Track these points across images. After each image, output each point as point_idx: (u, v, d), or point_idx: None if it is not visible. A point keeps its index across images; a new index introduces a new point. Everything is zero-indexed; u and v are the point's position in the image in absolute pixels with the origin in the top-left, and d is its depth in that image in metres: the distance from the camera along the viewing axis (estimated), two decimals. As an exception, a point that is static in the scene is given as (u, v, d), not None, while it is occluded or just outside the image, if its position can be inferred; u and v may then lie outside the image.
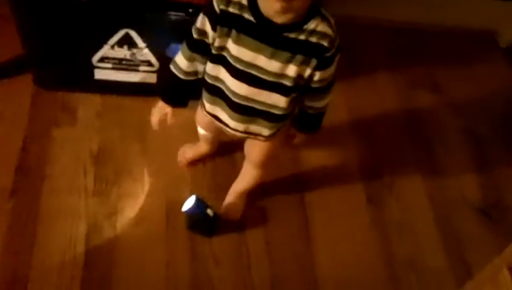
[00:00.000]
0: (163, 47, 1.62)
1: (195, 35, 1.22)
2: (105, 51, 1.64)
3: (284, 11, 1.09)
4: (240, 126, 1.32)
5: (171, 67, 1.30)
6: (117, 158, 1.66)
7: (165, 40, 1.60)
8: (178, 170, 1.67)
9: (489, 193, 1.81)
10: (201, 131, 1.58)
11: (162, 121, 1.38)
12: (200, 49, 1.24)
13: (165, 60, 1.54)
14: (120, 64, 1.68)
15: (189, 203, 1.50)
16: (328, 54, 1.17)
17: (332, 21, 1.17)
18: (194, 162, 1.68)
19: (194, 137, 1.64)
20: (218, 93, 1.29)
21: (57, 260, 1.45)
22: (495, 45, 2.24)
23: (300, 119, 1.37)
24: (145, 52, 1.65)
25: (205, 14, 1.18)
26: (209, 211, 1.51)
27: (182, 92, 1.34)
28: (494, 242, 1.68)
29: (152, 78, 1.74)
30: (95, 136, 1.69)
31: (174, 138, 1.70)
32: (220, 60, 1.23)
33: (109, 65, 1.69)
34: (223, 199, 1.60)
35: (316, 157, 1.77)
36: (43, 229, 1.49)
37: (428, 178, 1.81)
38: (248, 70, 1.20)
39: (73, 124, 1.71)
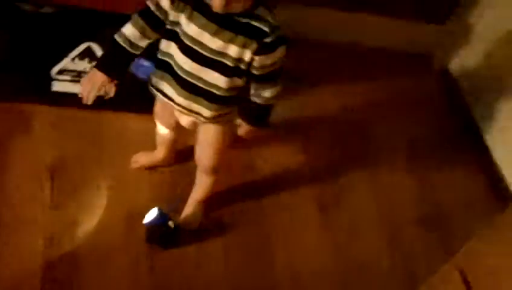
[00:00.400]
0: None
1: (152, 7, 1.27)
2: (65, 63, 1.65)
3: (221, 8, 1.18)
4: (184, 102, 1.36)
5: (118, 40, 1.31)
6: (74, 170, 1.66)
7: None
8: (136, 181, 1.69)
9: (427, 204, 1.94)
10: (160, 129, 1.60)
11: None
12: (153, 22, 1.29)
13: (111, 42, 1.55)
14: (79, 76, 1.69)
15: (150, 215, 1.52)
16: (267, 40, 1.24)
17: (274, 12, 1.26)
18: (148, 169, 1.70)
19: (151, 148, 1.68)
20: (168, 69, 1.34)
21: (16, 273, 1.43)
22: (430, 66, 2.39)
23: (247, 110, 1.41)
24: (105, 65, 1.67)
25: None
26: (170, 223, 1.53)
27: (123, 65, 1.36)
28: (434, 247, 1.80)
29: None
30: (51, 148, 1.68)
31: (131, 148, 1.72)
32: (172, 35, 1.29)
33: (68, 77, 1.70)
34: (182, 209, 1.63)
35: (268, 164, 1.84)
36: (1, 242, 1.47)
37: (374, 183, 1.91)
38: (193, 46, 1.27)
39: (28, 135, 1.70)
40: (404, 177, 1.98)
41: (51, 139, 1.70)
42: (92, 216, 1.58)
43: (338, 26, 2.20)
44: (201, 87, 1.32)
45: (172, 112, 1.44)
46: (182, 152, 1.72)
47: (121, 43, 1.31)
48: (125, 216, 1.60)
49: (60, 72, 1.67)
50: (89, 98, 1.35)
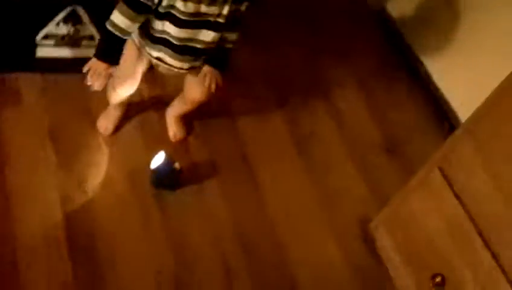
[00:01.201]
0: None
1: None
2: (49, 28, 1.69)
3: None
4: (184, 65, 1.54)
5: (111, 29, 1.43)
6: (70, 132, 1.73)
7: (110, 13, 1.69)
8: (127, 134, 1.77)
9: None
10: (123, 91, 1.66)
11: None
12: (142, 9, 1.41)
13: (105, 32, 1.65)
14: (62, 40, 1.74)
15: (158, 159, 1.63)
16: None
17: None
18: (117, 127, 1.77)
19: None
20: (164, 43, 1.49)
21: (39, 230, 1.51)
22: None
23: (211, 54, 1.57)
24: (88, 27, 1.73)
25: None
26: (177, 165, 1.65)
27: (119, 50, 1.51)
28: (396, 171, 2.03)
29: (91, 52, 1.81)
30: (44, 114, 1.74)
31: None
32: (166, 15, 1.42)
33: (51, 42, 1.74)
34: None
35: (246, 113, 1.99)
36: (18, 207, 1.53)
37: (338, 121, 2.11)
38: (191, 19, 1.42)
39: (19, 104, 1.74)
40: (360, 109, 2.20)
41: (43, 105, 1.75)
42: (97, 172, 1.67)
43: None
44: (197, 47, 1.49)
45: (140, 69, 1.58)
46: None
47: (114, 32, 1.43)
48: (128, 169, 1.70)
49: (45, 37, 1.71)
50: (100, 86, 1.50)
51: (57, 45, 1.75)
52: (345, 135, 2.08)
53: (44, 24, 1.68)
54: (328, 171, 1.95)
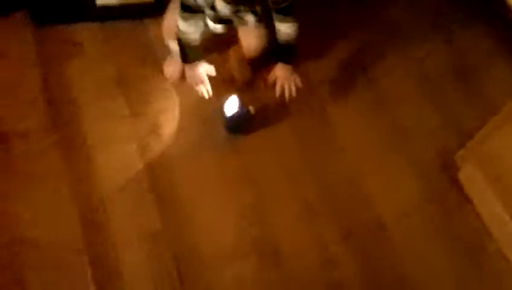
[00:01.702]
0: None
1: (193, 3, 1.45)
2: (109, -27, 1.62)
3: None
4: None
5: (183, 38, 1.52)
6: (137, 79, 1.68)
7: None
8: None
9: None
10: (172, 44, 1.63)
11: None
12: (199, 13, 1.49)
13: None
14: (121, -13, 1.67)
15: (231, 105, 1.57)
16: None
17: None
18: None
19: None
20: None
21: (122, 175, 1.50)
22: None
23: (276, 50, 1.61)
24: (145, -29, 1.65)
25: None
26: (251, 109, 1.59)
27: (200, 50, 1.58)
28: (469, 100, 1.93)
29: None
30: (107, 63, 1.69)
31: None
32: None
33: (110, -10, 1.66)
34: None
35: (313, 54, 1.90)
36: (97, 154, 1.51)
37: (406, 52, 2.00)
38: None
39: (82, 54, 1.69)
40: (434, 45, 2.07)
41: (105, 54, 1.70)
42: (170, 119, 1.62)
43: None
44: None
45: None
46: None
47: (184, 37, 1.51)
48: (200, 113, 1.65)
49: (105, -17, 1.64)
50: (204, 84, 1.58)
51: (116, -9, 1.67)
52: (414, 64, 1.97)
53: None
54: (400, 103, 1.86)
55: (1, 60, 1.60)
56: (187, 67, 1.58)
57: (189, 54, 1.57)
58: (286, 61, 1.63)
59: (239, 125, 1.62)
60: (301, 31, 1.58)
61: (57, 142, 1.50)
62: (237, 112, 1.58)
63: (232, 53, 1.74)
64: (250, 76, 1.75)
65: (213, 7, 1.47)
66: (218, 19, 1.53)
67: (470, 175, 1.64)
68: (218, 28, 1.56)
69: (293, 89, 1.62)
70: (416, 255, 1.55)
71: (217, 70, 1.68)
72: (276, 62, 1.63)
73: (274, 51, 1.64)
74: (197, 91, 1.58)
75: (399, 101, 1.86)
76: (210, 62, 1.65)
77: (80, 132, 1.53)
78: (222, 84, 1.72)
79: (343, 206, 1.59)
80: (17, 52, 1.63)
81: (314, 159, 1.66)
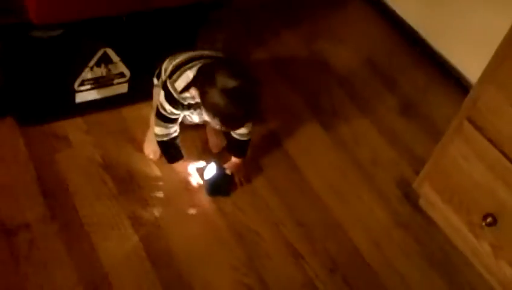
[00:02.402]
0: (134, 55, 1.80)
1: (168, 115, 1.65)
2: (84, 74, 1.78)
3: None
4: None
5: (161, 140, 1.71)
6: (121, 161, 1.82)
7: (137, 48, 1.79)
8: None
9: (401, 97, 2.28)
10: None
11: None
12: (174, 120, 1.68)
13: (135, 68, 1.79)
14: (97, 82, 1.83)
15: (210, 169, 1.73)
16: None
17: None
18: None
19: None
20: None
21: (122, 253, 1.60)
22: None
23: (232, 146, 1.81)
24: (119, 65, 1.82)
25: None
26: (228, 171, 1.75)
27: (178, 147, 1.75)
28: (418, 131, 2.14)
29: (124, 88, 1.90)
30: (94, 150, 1.82)
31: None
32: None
33: (88, 86, 1.82)
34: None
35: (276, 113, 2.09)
36: (96, 235, 1.62)
37: (353, 96, 2.22)
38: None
39: (70, 146, 1.81)
40: (371, 81, 2.31)
41: (90, 143, 1.83)
42: (156, 191, 1.76)
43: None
44: None
45: None
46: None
47: (163, 140, 1.70)
48: (184, 183, 1.80)
49: (81, 83, 1.79)
50: (192, 177, 1.78)
51: (93, 88, 1.83)
52: (363, 107, 2.19)
53: (79, 71, 1.75)
54: (357, 143, 2.06)
55: (-3, 163, 1.72)
56: (173, 165, 1.76)
57: (169, 153, 1.74)
58: (239, 156, 1.80)
59: (220, 187, 1.77)
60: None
61: (58, 230, 1.61)
62: (217, 176, 1.73)
63: (208, 127, 1.90)
64: (224, 143, 1.90)
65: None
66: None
67: (428, 199, 1.82)
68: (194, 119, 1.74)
69: (244, 181, 1.81)
70: (396, 276, 1.71)
71: (192, 139, 1.86)
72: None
73: (227, 145, 1.84)
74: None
75: (355, 140, 2.06)
76: (185, 131, 1.82)
77: (76, 217, 1.64)
78: (198, 153, 1.88)
79: (324, 242, 1.74)
80: (10, 153, 1.75)
81: (291, 204, 1.82)
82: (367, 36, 2.54)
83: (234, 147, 1.81)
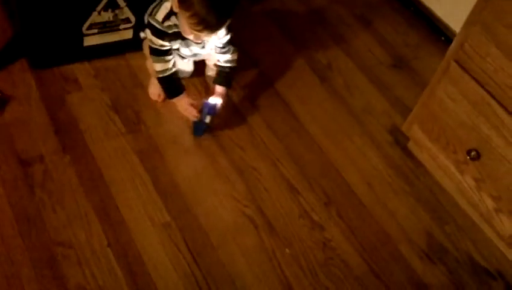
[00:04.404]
0: (140, 1, 1.87)
1: (160, 48, 1.73)
2: (92, 18, 1.84)
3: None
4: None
5: (161, 76, 1.78)
6: (128, 103, 1.89)
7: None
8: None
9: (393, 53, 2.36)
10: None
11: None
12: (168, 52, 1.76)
13: (141, 13, 1.83)
14: (104, 27, 1.89)
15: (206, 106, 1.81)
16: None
17: None
18: None
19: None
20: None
21: (129, 182, 1.69)
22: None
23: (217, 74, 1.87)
24: (125, 11, 1.89)
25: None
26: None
27: (180, 82, 1.84)
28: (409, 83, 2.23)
29: (129, 34, 1.97)
30: (102, 93, 1.90)
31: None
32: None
33: (96, 30, 1.89)
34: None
35: (269, 57, 2.18)
36: (104, 167, 1.71)
37: (349, 51, 2.31)
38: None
39: (79, 89, 1.89)
40: (366, 37, 2.39)
41: (99, 86, 1.91)
42: (162, 131, 1.85)
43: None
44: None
45: None
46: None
47: (164, 75, 1.78)
48: (188, 125, 1.88)
49: (89, 27, 1.86)
50: (193, 113, 1.84)
51: (100, 32, 1.89)
52: (357, 61, 2.28)
53: (88, 15, 1.82)
54: (350, 93, 2.15)
55: (11, 102, 1.79)
56: (174, 100, 1.84)
57: (170, 89, 1.82)
58: (224, 85, 1.87)
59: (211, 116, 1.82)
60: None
61: (70, 162, 1.69)
62: (208, 106, 1.80)
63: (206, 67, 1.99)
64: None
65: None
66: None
67: (417, 142, 1.91)
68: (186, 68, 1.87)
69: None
70: (385, 211, 1.81)
71: (193, 83, 1.94)
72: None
73: (214, 77, 1.88)
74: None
75: (349, 90, 2.15)
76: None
77: (87, 151, 1.73)
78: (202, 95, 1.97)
79: (319, 180, 1.84)
80: (23, 94, 1.82)
81: (287, 145, 1.92)
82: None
83: (220, 75, 1.86)
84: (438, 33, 2.45)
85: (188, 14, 1.60)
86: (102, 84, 1.93)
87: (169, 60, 1.77)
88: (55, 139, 1.74)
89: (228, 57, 1.84)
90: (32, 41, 1.84)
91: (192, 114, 1.83)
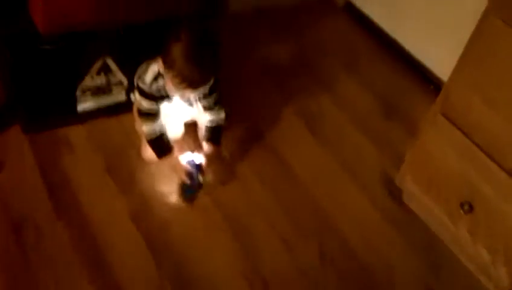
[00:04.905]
0: (132, 65, 1.91)
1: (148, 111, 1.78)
2: (85, 82, 1.88)
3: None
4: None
5: (152, 138, 1.81)
6: (123, 164, 1.91)
7: (134, 58, 1.90)
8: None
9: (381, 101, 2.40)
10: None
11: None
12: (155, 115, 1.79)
13: (132, 75, 1.87)
14: (98, 91, 1.93)
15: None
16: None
17: None
18: None
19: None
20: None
21: (123, 244, 1.69)
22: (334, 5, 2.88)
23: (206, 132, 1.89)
24: (117, 74, 1.93)
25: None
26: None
27: (167, 142, 1.85)
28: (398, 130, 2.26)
29: (122, 96, 2.01)
30: (96, 154, 1.91)
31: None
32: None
33: (89, 94, 1.92)
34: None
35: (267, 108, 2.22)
36: (98, 229, 1.71)
37: (337, 101, 2.34)
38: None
39: (73, 151, 1.91)
40: (352, 86, 2.44)
41: (91, 148, 1.93)
42: (154, 190, 1.86)
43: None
44: None
45: None
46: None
47: (153, 137, 1.81)
48: (179, 179, 1.89)
49: (83, 91, 1.90)
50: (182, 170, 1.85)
51: (93, 95, 1.93)
52: (347, 110, 2.31)
53: (81, 79, 1.86)
54: (341, 142, 2.17)
55: (5, 167, 1.81)
56: (163, 159, 1.85)
57: (159, 150, 1.83)
58: (214, 142, 1.88)
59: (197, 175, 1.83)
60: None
61: (63, 225, 1.70)
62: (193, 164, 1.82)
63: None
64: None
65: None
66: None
67: (410, 193, 1.92)
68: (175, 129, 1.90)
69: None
70: (381, 262, 1.80)
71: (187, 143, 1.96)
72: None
73: (204, 135, 1.90)
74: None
75: (339, 140, 2.18)
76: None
77: (80, 214, 1.73)
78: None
79: (313, 234, 1.84)
80: (17, 158, 1.84)
81: (282, 199, 1.92)
82: (348, 44, 2.67)
83: (209, 133, 1.88)
84: (427, 81, 2.50)
85: (172, 73, 1.64)
86: (96, 145, 1.95)
87: (157, 121, 1.80)
88: (48, 202, 1.75)
89: (216, 115, 1.88)
90: (25, 107, 1.87)
91: (181, 175, 1.84)
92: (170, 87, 1.71)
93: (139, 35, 1.89)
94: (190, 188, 1.83)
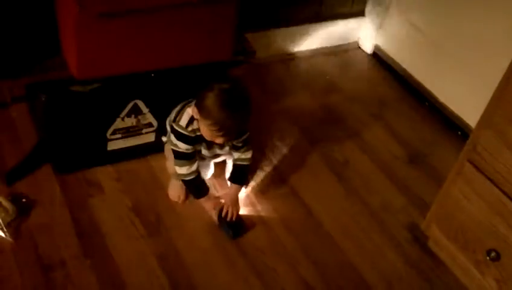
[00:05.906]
0: (162, 107, 1.97)
1: (184, 152, 1.81)
2: (116, 123, 1.94)
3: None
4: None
5: (188, 179, 1.85)
6: (150, 205, 1.95)
7: (165, 100, 1.95)
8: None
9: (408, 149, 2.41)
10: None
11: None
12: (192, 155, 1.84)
13: (162, 118, 1.94)
14: (128, 132, 1.99)
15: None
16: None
17: None
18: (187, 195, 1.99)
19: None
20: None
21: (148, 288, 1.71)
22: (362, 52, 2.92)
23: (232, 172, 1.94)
24: (147, 116, 1.99)
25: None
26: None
27: (203, 184, 1.91)
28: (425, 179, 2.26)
29: (151, 137, 2.06)
30: (124, 196, 1.96)
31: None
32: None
33: (119, 135, 1.98)
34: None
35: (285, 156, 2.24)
36: (125, 272, 1.73)
37: (364, 148, 2.36)
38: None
39: (102, 192, 1.96)
40: (381, 134, 2.45)
41: (121, 189, 1.97)
42: (181, 233, 1.88)
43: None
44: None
45: None
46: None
47: (190, 178, 1.85)
48: (208, 225, 1.93)
49: (113, 132, 1.96)
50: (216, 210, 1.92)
51: (123, 137, 1.98)
52: (374, 158, 2.32)
53: (112, 121, 1.92)
54: (368, 190, 2.17)
55: (36, 207, 1.86)
56: (204, 201, 1.92)
57: (197, 191, 1.89)
58: (239, 182, 1.93)
59: (237, 225, 1.88)
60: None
61: (91, 266, 1.73)
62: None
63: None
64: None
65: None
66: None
67: (436, 241, 1.91)
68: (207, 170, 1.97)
69: (235, 213, 1.89)
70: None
71: (212, 185, 1.99)
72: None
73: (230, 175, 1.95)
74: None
75: (366, 188, 2.18)
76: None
77: (107, 255, 1.76)
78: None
79: (337, 280, 1.83)
80: (47, 198, 1.89)
81: (306, 245, 1.93)
82: (375, 91, 2.70)
83: (235, 173, 1.92)
84: (453, 128, 2.50)
85: (208, 122, 1.68)
86: (124, 186, 1.99)
87: (194, 163, 1.83)
88: (77, 243, 1.79)
89: (243, 154, 1.91)
90: (57, 148, 1.93)
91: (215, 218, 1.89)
92: (206, 133, 1.75)
93: (170, 78, 1.94)
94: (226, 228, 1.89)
